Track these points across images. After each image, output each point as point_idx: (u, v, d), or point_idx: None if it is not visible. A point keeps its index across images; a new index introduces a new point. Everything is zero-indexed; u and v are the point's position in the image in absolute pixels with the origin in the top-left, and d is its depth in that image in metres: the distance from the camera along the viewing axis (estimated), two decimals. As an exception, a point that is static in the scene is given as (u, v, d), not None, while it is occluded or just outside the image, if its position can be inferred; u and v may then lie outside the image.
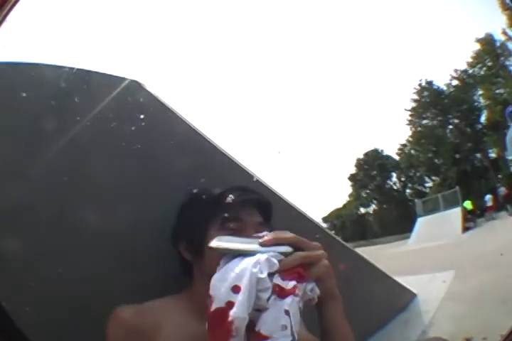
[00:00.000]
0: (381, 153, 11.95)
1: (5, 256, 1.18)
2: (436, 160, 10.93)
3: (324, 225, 10.02)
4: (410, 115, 10.95)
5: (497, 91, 10.03)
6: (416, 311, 2.84)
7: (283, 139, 9.09)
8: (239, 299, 0.75)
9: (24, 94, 1.27)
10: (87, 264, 1.30)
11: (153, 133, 1.43)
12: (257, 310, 0.77)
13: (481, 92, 10.31)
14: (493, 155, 10.18)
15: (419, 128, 11.05)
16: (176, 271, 1.27)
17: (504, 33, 9.82)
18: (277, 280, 0.79)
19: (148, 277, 1.36)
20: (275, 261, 0.80)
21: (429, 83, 10.71)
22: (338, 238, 2.55)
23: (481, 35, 10.07)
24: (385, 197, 11.99)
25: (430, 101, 10.68)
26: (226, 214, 1.05)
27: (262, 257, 0.79)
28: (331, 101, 10.45)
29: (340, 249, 2.20)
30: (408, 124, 11.03)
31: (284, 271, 0.80)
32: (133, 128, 1.40)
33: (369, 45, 10.48)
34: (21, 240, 1.22)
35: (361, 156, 11.95)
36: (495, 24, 9.71)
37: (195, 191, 1.20)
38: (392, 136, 11.40)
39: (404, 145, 11.36)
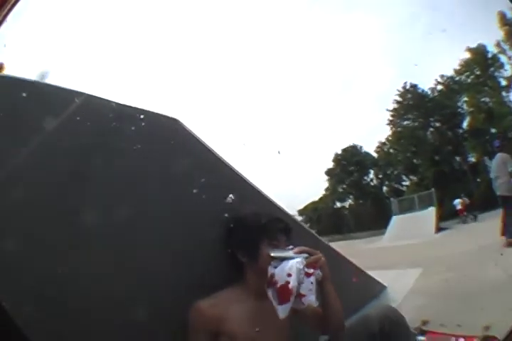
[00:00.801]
0: (360, 149, 12.09)
1: (5, 256, 1.20)
2: (414, 160, 11.16)
3: (299, 218, 10.13)
4: (392, 115, 11.10)
5: (482, 99, 10.30)
6: (385, 300, 3.28)
7: (263, 132, 9.15)
8: (292, 278, 1.49)
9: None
10: (87, 264, 1.35)
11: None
12: (298, 284, 1.50)
13: (465, 99, 10.51)
14: (472, 159, 10.50)
15: (399, 129, 11.22)
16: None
17: (498, 45, 9.96)
18: (305, 269, 1.53)
19: (146, 278, 1.50)
20: (304, 261, 1.54)
21: (414, 86, 10.90)
22: (316, 234, 2.90)
23: (473, 45, 10.20)
24: (362, 192, 12.15)
25: (413, 104, 10.84)
26: (272, 236, 1.70)
27: (299, 259, 1.54)
28: (311, 96, 10.50)
29: (316, 243, 2.41)
30: (389, 124, 11.20)
31: (308, 265, 1.54)
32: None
33: (357, 45, 10.60)
34: (21, 240, 1.24)
35: (339, 152, 12.12)
36: (490, 38, 9.84)
37: (243, 216, 1.80)
38: (372, 133, 11.50)
39: (383, 144, 11.52)
